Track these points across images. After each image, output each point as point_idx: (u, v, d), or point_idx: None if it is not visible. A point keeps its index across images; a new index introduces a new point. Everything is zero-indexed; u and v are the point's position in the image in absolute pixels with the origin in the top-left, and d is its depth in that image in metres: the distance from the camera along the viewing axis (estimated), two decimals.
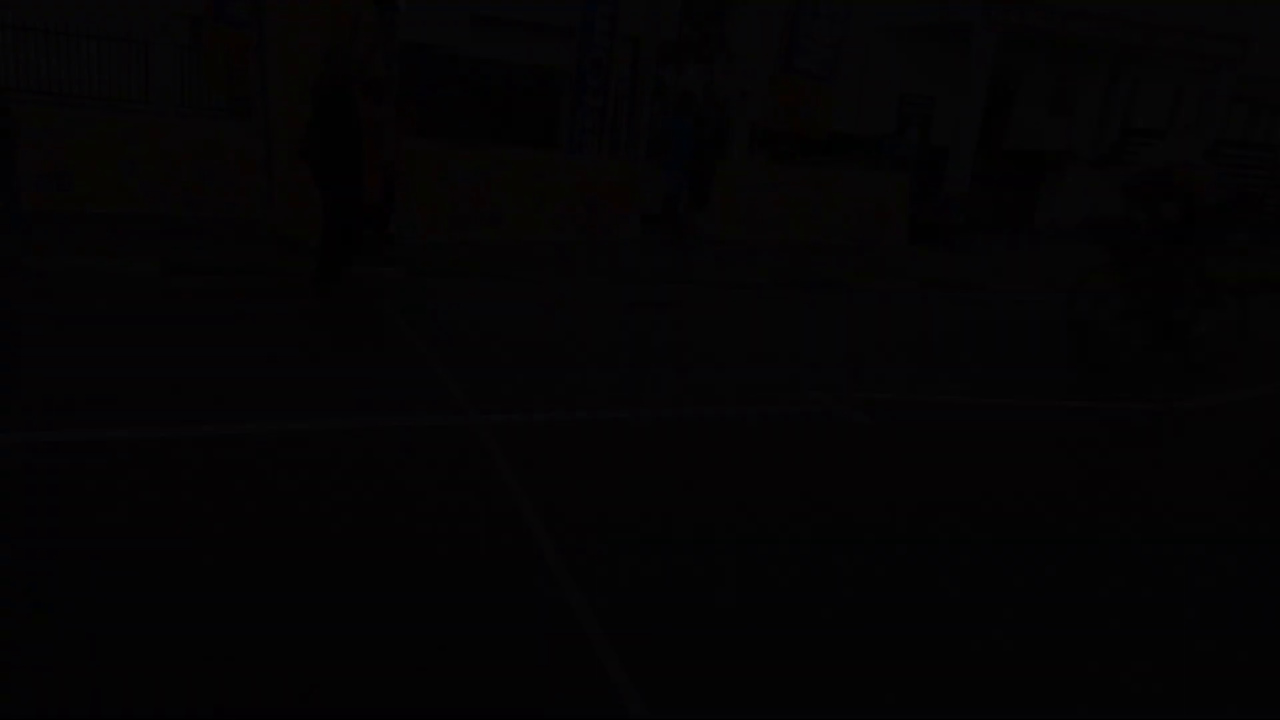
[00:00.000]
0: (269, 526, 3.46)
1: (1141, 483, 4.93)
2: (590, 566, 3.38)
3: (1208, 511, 4.57)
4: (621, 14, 12.07)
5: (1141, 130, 22.06)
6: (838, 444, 4.99)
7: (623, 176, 11.95)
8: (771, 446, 4.87)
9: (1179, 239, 7.20)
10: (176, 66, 12.47)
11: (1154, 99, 26.84)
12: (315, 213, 7.55)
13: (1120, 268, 7.31)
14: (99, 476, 3.73)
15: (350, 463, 4.11)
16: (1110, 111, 26.08)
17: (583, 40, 12.03)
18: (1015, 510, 4.32)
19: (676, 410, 5.30)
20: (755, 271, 10.43)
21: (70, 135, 9.39)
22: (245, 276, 7.92)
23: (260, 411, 4.64)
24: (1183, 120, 14.09)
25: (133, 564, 3.11)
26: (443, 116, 14.55)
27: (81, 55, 12.54)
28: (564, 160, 11.67)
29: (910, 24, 23.23)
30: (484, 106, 14.93)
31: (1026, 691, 2.88)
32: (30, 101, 10.36)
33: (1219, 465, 5.33)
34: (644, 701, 2.64)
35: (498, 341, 6.59)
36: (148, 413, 4.47)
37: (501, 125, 14.83)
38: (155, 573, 3.07)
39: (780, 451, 4.81)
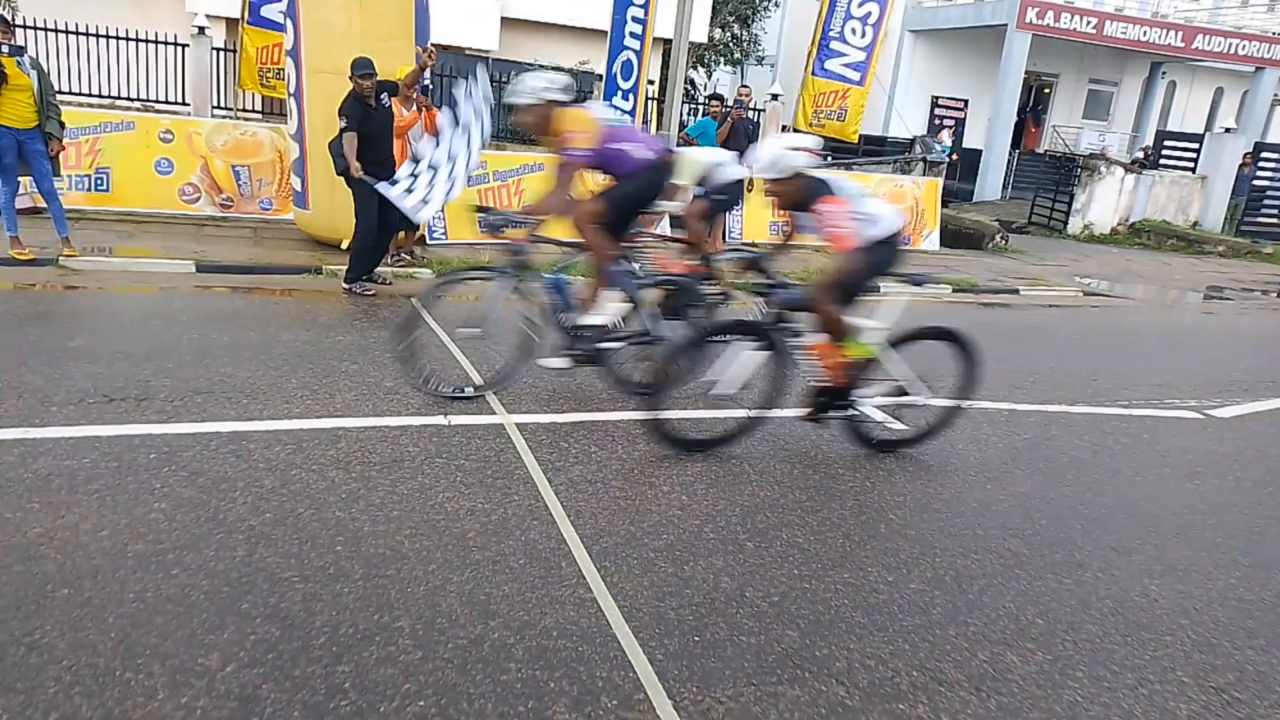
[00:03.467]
0: (299, 520, 3.49)
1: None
2: (616, 564, 3.37)
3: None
4: (652, 16, 12.07)
5: (1178, 134, 21.72)
6: (868, 448, 4.94)
7: None
8: (803, 449, 4.83)
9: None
10: (213, 68, 12.62)
11: (1192, 102, 26.45)
12: (348, 215, 7.61)
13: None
14: (135, 471, 3.78)
15: (380, 460, 4.13)
16: (1146, 114, 25.74)
17: (613, 42, 12.05)
18: (1045, 513, 4.27)
19: (704, 411, 5.26)
20: (787, 275, 10.35)
21: (108, 136, 9.54)
22: (278, 277, 8.00)
23: (292, 409, 4.68)
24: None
25: (175, 554, 3.14)
26: None
27: (119, 56, 12.74)
28: None
29: (943, 27, 23.06)
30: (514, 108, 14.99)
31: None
32: (69, 102, 10.52)
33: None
34: (667, 696, 2.63)
35: None
36: (182, 410, 4.52)
37: None
38: (185, 565, 3.10)
39: (811, 454, 4.77)
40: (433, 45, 7.70)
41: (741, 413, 4.79)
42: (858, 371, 4.64)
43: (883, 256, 4.49)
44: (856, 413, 4.79)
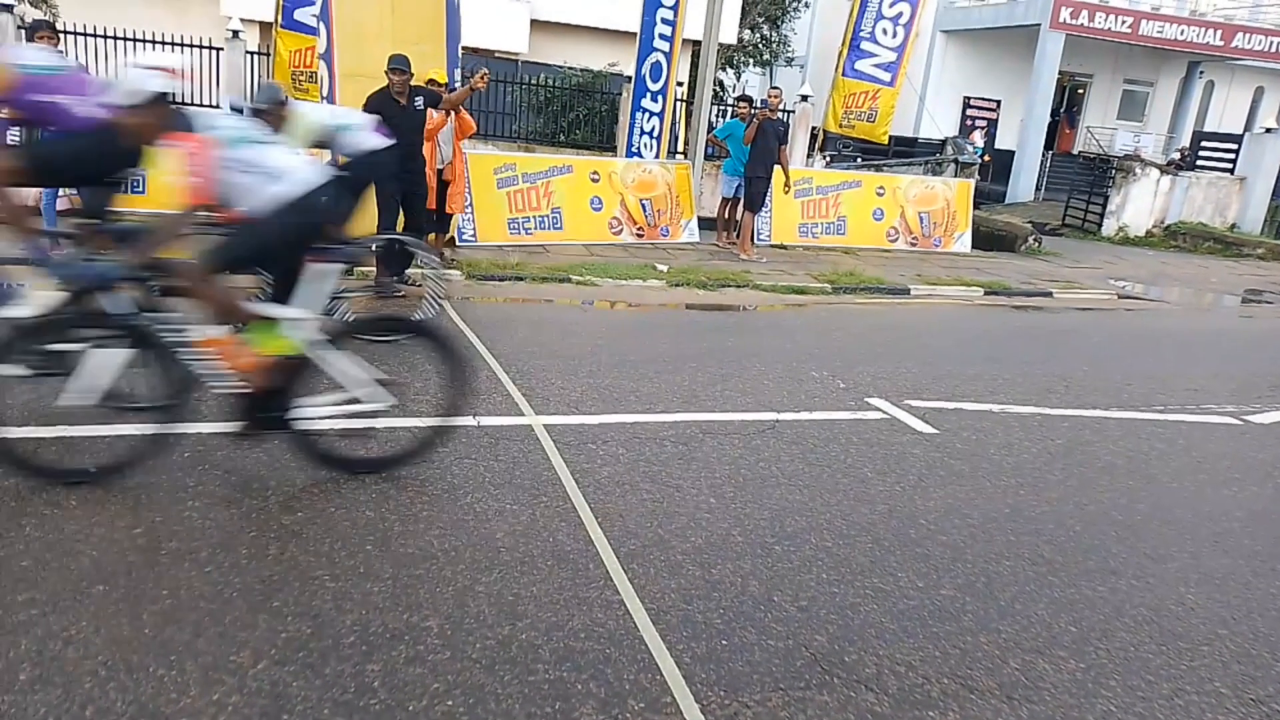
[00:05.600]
0: (329, 518, 3.52)
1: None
2: (643, 567, 3.37)
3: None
4: (681, 18, 12.06)
5: (1216, 134, 21.36)
6: (899, 453, 4.90)
7: (680, 180, 11.95)
8: (832, 453, 4.80)
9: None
10: (247, 71, 12.79)
11: (1231, 101, 25.99)
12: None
13: None
14: (169, 469, 3.82)
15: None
16: (1183, 115, 25.33)
17: (643, 44, 12.05)
18: (1079, 519, 4.21)
19: (733, 414, 5.26)
20: (815, 277, 10.32)
21: None
22: None
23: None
24: None
25: (208, 552, 3.18)
26: (502, 121, 14.71)
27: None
28: (623, 164, 11.70)
29: (976, 27, 22.83)
30: (543, 111, 15.06)
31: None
32: None
33: None
34: (695, 699, 2.62)
35: (555, 344, 6.62)
36: (215, 408, 4.56)
37: (560, 130, 14.93)
38: (218, 563, 3.14)
39: (841, 458, 4.74)
40: (465, 47, 7.73)
41: (129, 429, 3.79)
42: (285, 373, 3.66)
43: (292, 223, 3.56)
44: (301, 425, 3.79)
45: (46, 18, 11.91)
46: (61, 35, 11.36)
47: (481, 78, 7.84)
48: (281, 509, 3.58)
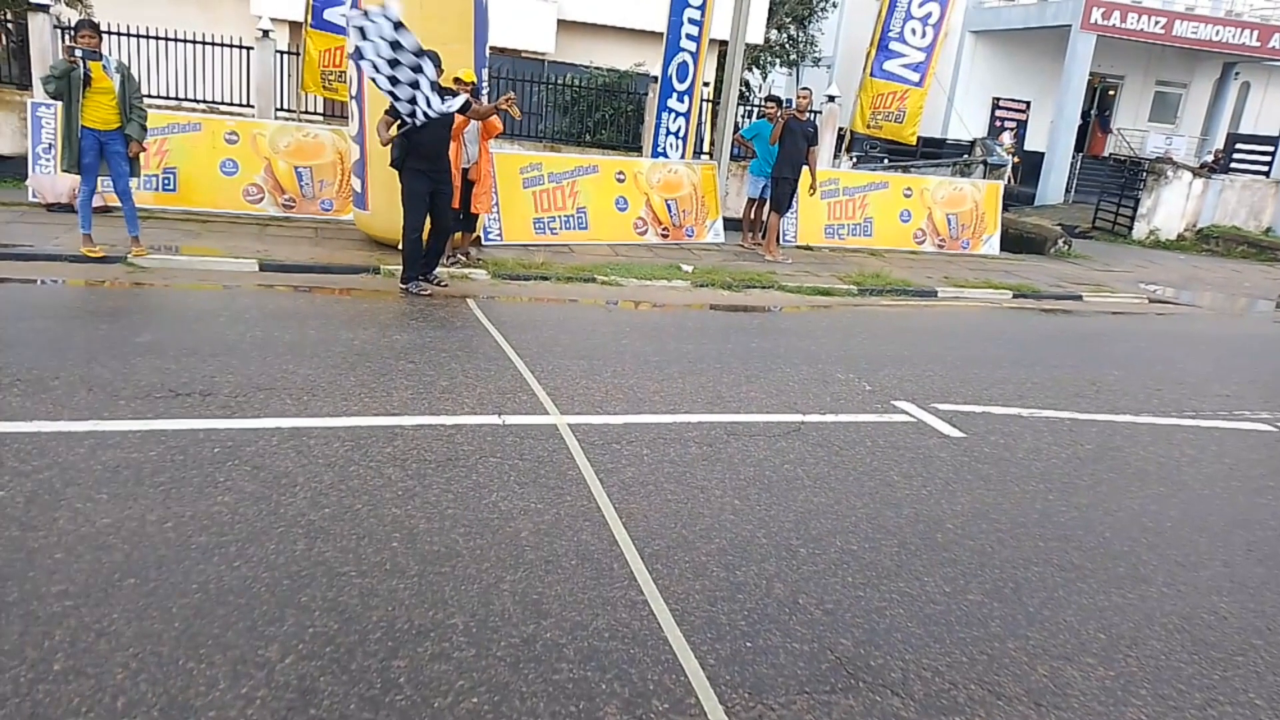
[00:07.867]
0: (356, 515, 3.54)
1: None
2: (667, 567, 3.36)
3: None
4: (709, 18, 12.04)
5: (1251, 136, 21.02)
6: (925, 456, 4.86)
7: (706, 181, 11.93)
8: (857, 456, 4.77)
9: None
10: (277, 71, 12.91)
11: (1268, 103, 25.58)
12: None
13: None
14: (199, 464, 3.87)
15: (436, 459, 4.17)
16: (1217, 117, 24.96)
17: (669, 44, 12.04)
18: (1109, 525, 4.15)
19: (758, 415, 5.24)
20: (841, 278, 10.27)
21: (176, 137, 9.80)
22: (338, 276, 8.15)
23: (350, 406, 4.75)
24: None
25: (237, 547, 3.21)
26: (528, 121, 14.73)
27: (186, 59, 13.07)
28: (648, 164, 11.70)
29: (1005, 28, 22.61)
30: (569, 111, 15.07)
31: None
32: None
33: None
34: (719, 701, 2.61)
35: (580, 343, 6.62)
36: (245, 405, 4.62)
37: (586, 130, 14.94)
38: (246, 558, 3.16)
39: (867, 461, 4.71)
40: (492, 47, 7.75)
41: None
42: None
43: None
44: None
45: (84, 17, 12.05)
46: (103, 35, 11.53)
47: (509, 100, 7.86)
48: (309, 505, 3.61)
